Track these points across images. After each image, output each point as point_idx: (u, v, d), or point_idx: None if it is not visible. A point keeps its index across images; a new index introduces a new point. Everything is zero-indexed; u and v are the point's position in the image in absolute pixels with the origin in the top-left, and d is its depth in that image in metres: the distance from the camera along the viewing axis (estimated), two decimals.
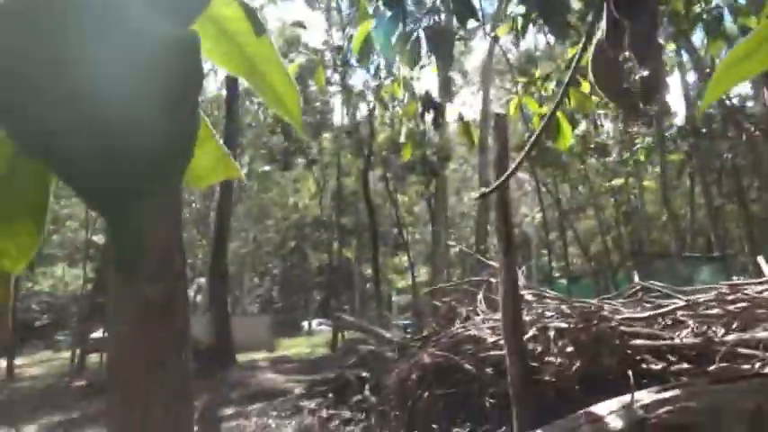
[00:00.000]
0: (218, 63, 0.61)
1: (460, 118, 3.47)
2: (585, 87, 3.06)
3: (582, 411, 2.46)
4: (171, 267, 2.39)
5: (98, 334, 19.64)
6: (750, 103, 22.56)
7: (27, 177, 0.50)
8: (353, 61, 20.69)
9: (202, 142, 0.60)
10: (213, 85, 32.20)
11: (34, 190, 0.50)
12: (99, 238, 26.72)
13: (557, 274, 36.93)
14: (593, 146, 20.11)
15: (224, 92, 19.26)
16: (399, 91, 4.30)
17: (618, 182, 22.98)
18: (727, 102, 18.34)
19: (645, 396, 2.35)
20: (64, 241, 36.97)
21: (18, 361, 18.97)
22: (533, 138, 1.96)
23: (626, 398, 2.34)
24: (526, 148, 1.92)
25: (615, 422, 2.18)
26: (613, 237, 26.10)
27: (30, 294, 37.64)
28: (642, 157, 18.54)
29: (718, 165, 23.67)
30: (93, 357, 17.50)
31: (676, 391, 2.31)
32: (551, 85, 3.22)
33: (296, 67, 6.70)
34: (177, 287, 2.41)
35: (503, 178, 1.90)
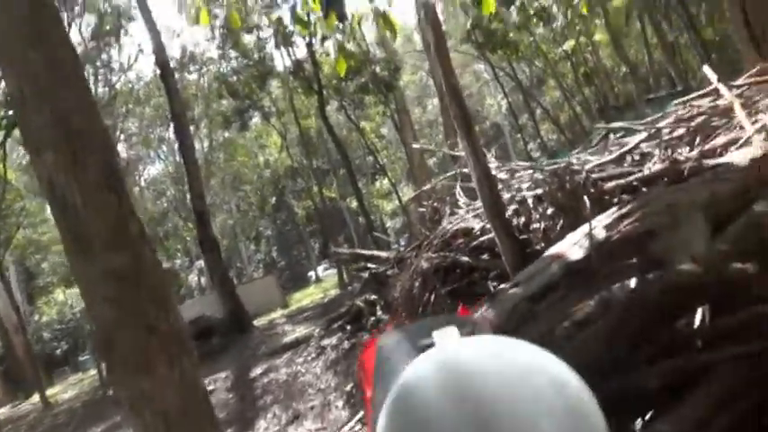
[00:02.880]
0: None
1: (376, 12, 3.34)
2: None
3: (548, 252, 2.53)
4: (128, 233, 2.35)
5: None
6: None
7: None
8: None
9: None
10: (147, 69, 30.98)
11: None
12: None
13: (536, 154, 37.23)
14: (533, 13, 19.60)
15: (158, 71, 18.45)
16: (317, 6, 4.14)
17: (570, 44, 22.64)
18: None
19: (604, 218, 2.40)
20: (55, 266, 36.73)
21: (50, 390, 19.24)
22: None
23: (587, 227, 2.40)
24: None
25: (579, 250, 2.24)
26: (579, 101, 26.09)
27: (39, 326, 37.72)
28: (584, 10, 18.14)
29: None
30: None
31: (635, 204, 2.35)
32: None
33: (206, 15, 6.44)
34: (142, 252, 2.38)
35: None
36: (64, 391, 20.66)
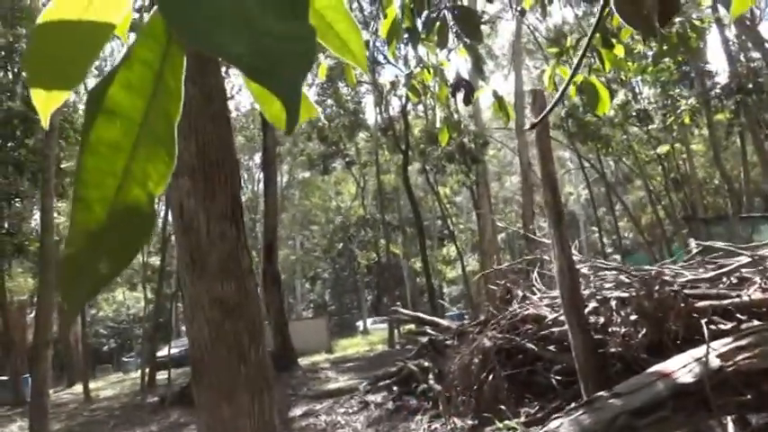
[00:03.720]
0: None
1: (495, 95, 3.48)
2: (619, 51, 3.03)
3: (653, 368, 2.45)
4: (240, 265, 2.52)
5: (164, 352, 20.41)
6: None
7: (160, 111, 0.59)
8: (381, 58, 20.76)
9: None
10: (247, 100, 32.84)
11: (165, 122, 0.59)
12: (155, 261, 27.73)
13: (609, 250, 36.13)
14: (634, 113, 19.50)
15: (257, 105, 19.58)
16: (430, 77, 4.37)
17: (664, 149, 22.23)
18: None
19: (719, 346, 2.32)
20: None
21: (92, 384, 19.83)
22: (561, 89, 1.97)
23: (698, 351, 2.32)
24: (560, 90, 1.94)
25: (690, 374, 2.17)
26: (665, 206, 25.30)
27: (95, 320, 39.31)
28: (687, 120, 17.88)
29: None
30: (161, 375, 18.15)
31: (753, 338, 2.27)
32: None
33: (324, 70, 6.86)
34: (248, 284, 2.54)
35: (548, 108, 1.93)
36: (105, 387, 21.22)
